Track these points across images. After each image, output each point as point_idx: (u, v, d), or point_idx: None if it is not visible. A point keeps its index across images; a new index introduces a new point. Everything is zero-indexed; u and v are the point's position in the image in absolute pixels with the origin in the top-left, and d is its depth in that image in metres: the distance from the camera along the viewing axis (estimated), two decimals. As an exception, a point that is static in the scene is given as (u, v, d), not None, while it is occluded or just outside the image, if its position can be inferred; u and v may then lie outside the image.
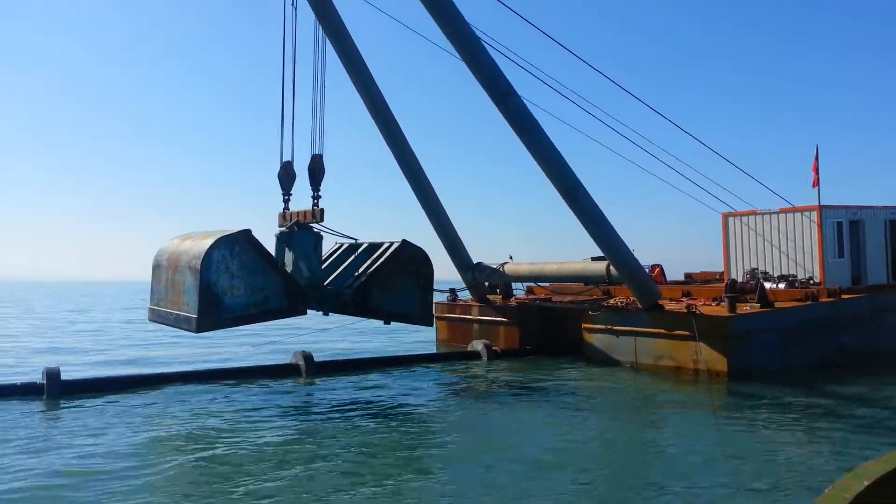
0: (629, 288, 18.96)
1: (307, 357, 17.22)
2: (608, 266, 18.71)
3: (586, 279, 20.76)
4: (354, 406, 13.89)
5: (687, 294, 22.00)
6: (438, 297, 24.57)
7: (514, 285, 24.77)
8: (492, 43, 17.03)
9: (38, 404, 13.92)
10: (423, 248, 15.91)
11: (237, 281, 13.04)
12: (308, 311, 14.79)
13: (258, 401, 14.39)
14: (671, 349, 17.61)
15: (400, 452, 10.30)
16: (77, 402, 14.00)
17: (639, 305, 18.68)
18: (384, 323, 15.68)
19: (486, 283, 24.69)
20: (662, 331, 17.81)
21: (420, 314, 15.85)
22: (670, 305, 18.88)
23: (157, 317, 14.44)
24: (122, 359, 22.53)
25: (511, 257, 22.54)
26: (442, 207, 21.66)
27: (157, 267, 14.49)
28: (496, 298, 24.16)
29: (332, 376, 17.15)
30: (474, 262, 23.01)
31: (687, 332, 16.98)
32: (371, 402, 14.31)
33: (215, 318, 12.80)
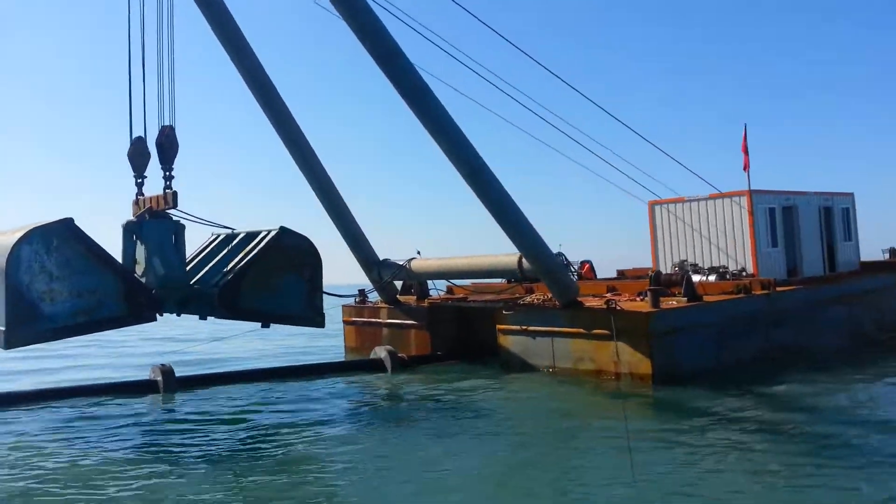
0: (544, 283, 17.99)
1: (166, 371, 15.44)
2: (520, 259, 17.67)
3: (498, 273, 19.73)
4: (214, 429, 12.30)
5: (612, 290, 21.26)
6: (348, 300, 23.27)
7: (432, 286, 23.65)
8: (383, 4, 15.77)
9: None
10: (308, 237, 14.40)
11: (58, 283, 11.26)
12: (163, 314, 13.15)
13: (93, 425, 12.58)
14: (591, 350, 16.70)
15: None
16: None
17: (556, 303, 17.73)
18: (262, 326, 14.11)
19: (402, 284, 23.50)
20: (581, 330, 16.88)
21: (305, 314, 14.25)
22: (591, 302, 17.99)
23: None
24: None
25: (419, 252, 21.33)
26: (339, 195, 20.26)
27: None
28: (410, 300, 22.91)
29: (195, 392, 15.43)
30: (380, 258, 21.67)
31: (606, 331, 16.09)
32: (234, 425, 12.73)
33: (29, 330, 11.00)
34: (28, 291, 10.95)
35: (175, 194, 13.28)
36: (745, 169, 22.69)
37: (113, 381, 16.34)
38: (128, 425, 12.67)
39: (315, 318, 14.36)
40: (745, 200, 21.58)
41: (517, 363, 18.17)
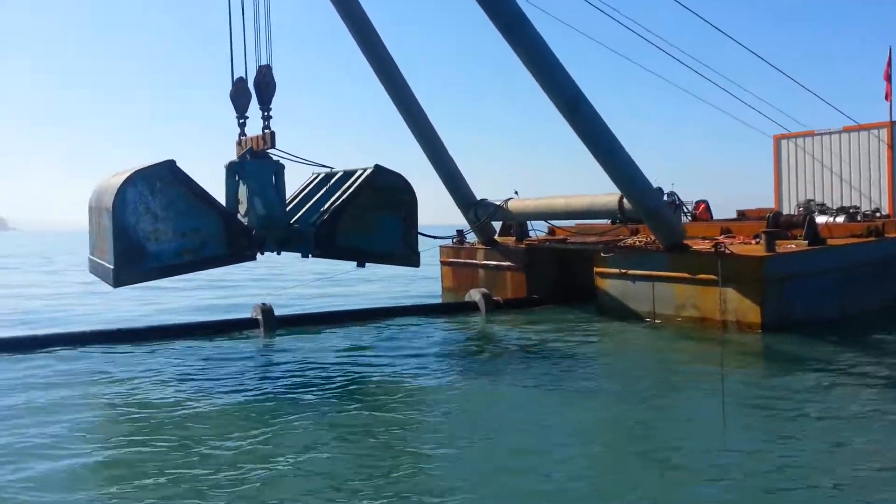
0: (646, 224, 17.20)
1: (266, 310, 16.18)
2: (621, 199, 16.94)
3: (597, 214, 19.03)
4: (314, 371, 12.76)
5: (726, 232, 20.05)
6: (445, 240, 23.43)
7: (533, 227, 23.29)
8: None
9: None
10: (403, 175, 14.41)
11: (162, 224, 11.92)
12: (264, 254, 13.69)
13: (201, 365, 13.40)
14: (695, 297, 15.92)
15: (362, 435, 8.82)
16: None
17: (659, 246, 16.95)
18: (358, 265, 14.41)
19: (501, 225, 23.32)
20: (685, 275, 16.08)
21: (401, 252, 14.38)
22: (700, 245, 17.04)
23: (92, 268, 13.56)
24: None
25: (516, 193, 20.93)
26: (434, 132, 20.08)
27: (90, 209, 13.53)
28: (509, 241, 22.70)
29: (294, 333, 16.08)
30: (478, 198, 21.49)
31: (713, 276, 15.23)
32: (333, 367, 13.16)
33: (136, 269, 11.76)
34: (134, 232, 11.66)
35: (273, 134, 13.55)
36: (886, 98, 20.44)
37: (214, 319, 17.28)
38: (222, 366, 13.12)
39: (410, 256, 14.48)
40: (885, 133, 19.51)
41: (615, 308, 17.68)
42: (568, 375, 11.91)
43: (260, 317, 16.16)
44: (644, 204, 16.31)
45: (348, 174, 14.73)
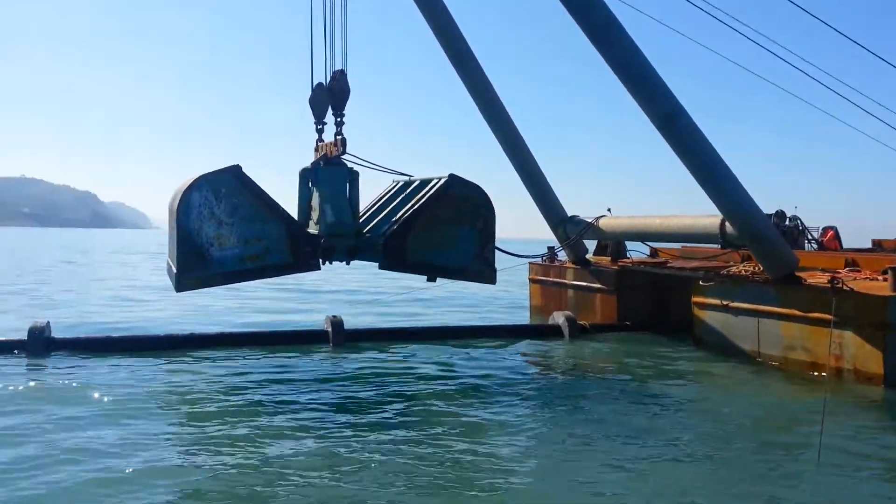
0: (751, 251, 15.58)
1: (336, 323, 15.96)
2: (723, 221, 15.42)
3: (696, 238, 17.48)
4: (374, 389, 12.41)
5: (852, 264, 17.89)
6: (531, 258, 22.50)
7: (632, 247, 21.94)
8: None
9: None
10: (480, 186, 13.77)
11: (226, 229, 11.88)
12: (332, 263, 13.43)
13: (263, 377, 13.36)
14: (805, 338, 14.18)
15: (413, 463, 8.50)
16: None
17: (766, 276, 15.29)
18: (428, 279, 13.87)
19: (597, 243, 22.16)
20: (794, 312, 14.37)
21: (476, 268, 13.69)
22: (815, 278, 15.22)
23: (167, 270, 13.83)
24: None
25: (609, 210, 19.71)
26: (524, 144, 19.33)
27: (168, 212, 13.87)
28: (603, 260, 21.49)
29: (363, 347, 15.76)
30: (569, 215, 20.46)
31: (827, 315, 13.48)
32: (395, 385, 12.72)
33: (198, 274, 11.77)
34: (198, 237, 11.70)
35: (344, 140, 13.32)
36: None
37: (283, 329, 17.33)
38: (284, 378, 13.09)
39: (486, 272, 13.78)
40: None
41: (714, 343, 16.15)
42: (650, 419, 10.77)
43: (329, 329, 16.00)
44: (748, 228, 14.74)
45: (424, 183, 14.25)
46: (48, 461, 8.06)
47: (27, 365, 13.50)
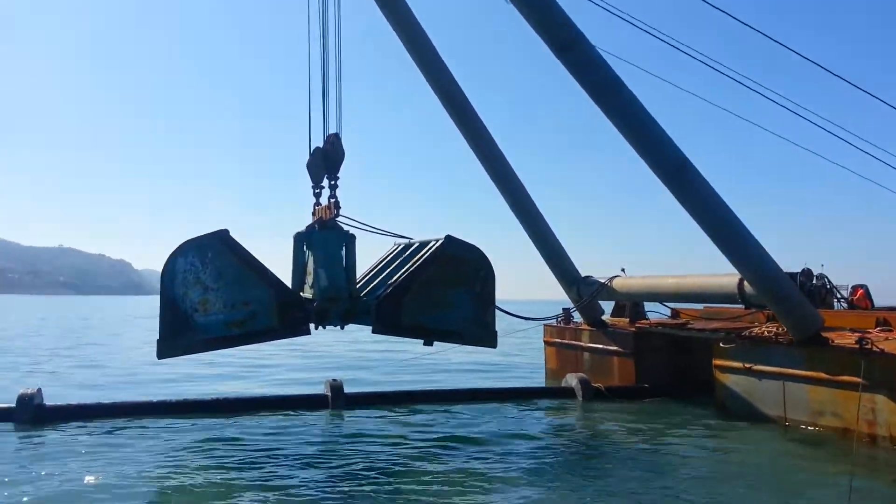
0: (772, 310, 14.77)
1: (335, 387, 15.37)
2: (741, 281, 14.69)
3: (713, 298, 16.71)
4: (370, 456, 11.83)
5: (883, 324, 16.89)
6: (541, 320, 21.82)
7: (651, 308, 21.15)
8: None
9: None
10: (478, 247, 13.31)
11: (212, 294, 11.52)
12: (326, 328, 12.96)
13: (259, 442, 12.84)
14: (835, 402, 13.20)
15: None
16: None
17: (791, 337, 14.41)
18: (425, 343, 13.28)
19: (614, 304, 21.42)
20: (822, 375, 13.44)
21: (474, 332, 13.08)
22: (844, 339, 14.29)
23: None
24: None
25: (623, 270, 19.07)
26: (533, 203, 18.90)
27: None
28: (621, 322, 20.70)
29: (364, 410, 15.19)
30: (583, 275, 19.83)
31: (857, 379, 12.54)
32: (393, 452, 12.10)
33: (182, 341, 11.35)
34: (182, 302, 11.35)
35: (337, 203, 13.06)
36: None
37: (281, 394, 16.80)
38: (281, 442, 12.69)
39: (485, 336, 13.15)
40: None
41: (738, 409, 15.17)
42: (665, 492, 9.93)
43: (329, 393, 15.42)
44: (768, 287, 14.00)
45: (423, 245, 13.84)
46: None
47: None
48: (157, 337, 11.32)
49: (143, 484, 9.86)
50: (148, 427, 13.65)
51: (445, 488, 9.88)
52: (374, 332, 12.71)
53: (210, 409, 14.89)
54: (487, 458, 11.66)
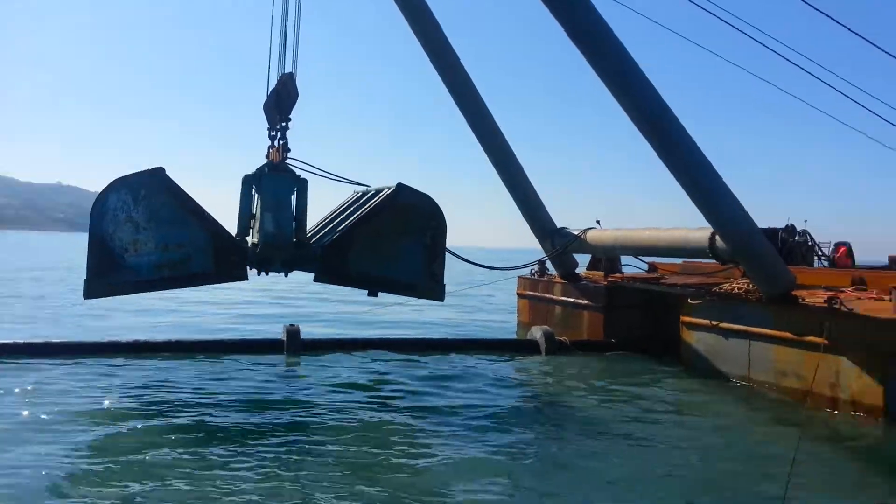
0: (743, 267, 14.25)
1: (291, 332, 15.02)
2: (713, 234, 14.12)
3: (684, 252, 16.16)
4: (319, 401, 11.62)
5: (859, 282, 16.35)
6: (523, 269, 21.37)
7: (627, 261, 20.64)
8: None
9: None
10: (430, 196, 12.72)
11: (144, 234, 10.96)
12: (269, 274, 12.47)
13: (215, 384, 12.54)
14: (799, 363, 12.77)
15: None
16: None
17: (759, 295, 13.93)
18: (369, 294, 12.81)
19: (590, 258, 20.90)
20: (788, 335, 12.99)
21: (422, 283, 12.58)
22: (815, 297, 13.78)
23: None
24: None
25: (598, 222, 18.46)
26: (510, 150, 18.22)
27: None
28: (596, 276, 20.19)
29: (320, 356, 14.87)
30: (558, 226, 19.25)
31: (823, 340, 12.09)
32: (343, 397, 11.88)
33: (110, 281, 10.85)
34: (111, 241, 10.82)
35: (285, 145, 12.45)
36: None
37: (238, 338, 16.46)
38: (236, 385, 12.45)
39: (433, 288, 12.65)
40: None
41: (702, 367, 14.81)
42: (612, 448, 9.65)
43: (285, 338, 15.08)
44: (739, 242, 13.43)
45: (377, 193, 13.26)
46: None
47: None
48: (85, 276, 10.82)
49: (73, 427, 9.51)
50: (90, 366, 13.31)
51: (392, 438, 9.61)
52: (315, 280, 12.22)
53: (155, 349, 14.54)
54: (438, 409, 11.39)
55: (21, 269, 49.78)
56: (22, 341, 14.60)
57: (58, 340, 14.96)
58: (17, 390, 11.27)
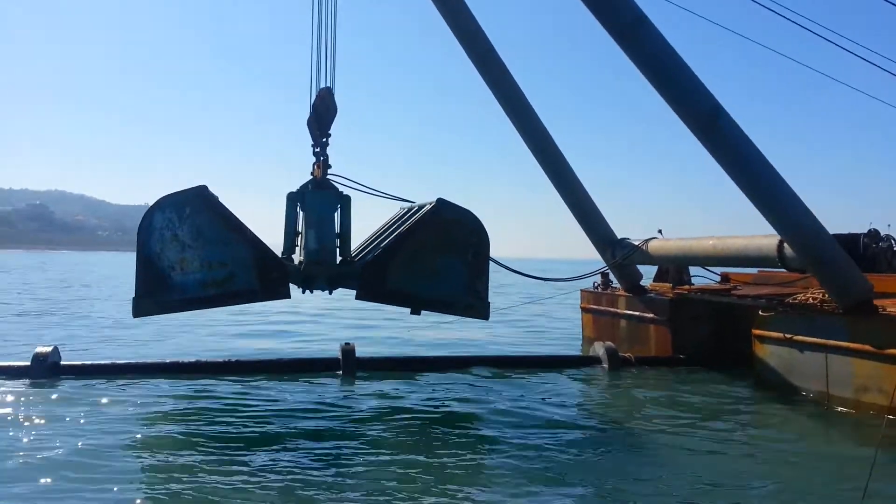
0: (815, 277, 13.25)
1: (347, 351, 14.96)
2: (780, 242, 13.22)
3: (751, 261, 15.16)
4: (394, 419, 11.51)
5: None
6: (586, 282, 20.74)
7: (696, 272, 19.71)
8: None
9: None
10: (471, 211, 12.47)
11: (190, 252, 11.19)
12: (313, 292, 12.47)
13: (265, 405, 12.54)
14: (882, 377, 11.71)
15: None
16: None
17: (835, 305, 12.90)
18: (412, 312, 12.59)
19: (657, 269, 20.06)
20: (867, 347, 11.96)
21: (464, 301, 12.28)
22: (894, 306, 12.67)
23: None
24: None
25: (660, 232, 17.68)
26: (564, 161, 17.76)
27: None
28: (663, 287, 19.34)
29: (375, 375, 14.71)
30: (618, 237, 18.58)
31: (905, 352, 11.05)
32: (404, 417, 11.68)
33: (158, 299, 11.08)
34: (158, 260, 11.08)
35: (325, 160, 12.52)
36: None
37: (291, 356, 16.48)
38: (290, 406, 12.38)
39: (477, 305, 12.31)
40: None
41: (776, 382, 13.83)
42: (680, 468, 9.06)
43: (340, 357, 15.06)
44: (809, 249, 12.51)
45: (420, 208, 13.13)
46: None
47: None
48: (133, 294, 11.11)
49: (126, 450, 9.47)
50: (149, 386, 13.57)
51: (450, 459, 9.28)
52: (357, 297, 12.13)
53: (215, 370, 14.68)
54: (499, 427, 10.97)
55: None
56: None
57: (123, 362, 15.33)
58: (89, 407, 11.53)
